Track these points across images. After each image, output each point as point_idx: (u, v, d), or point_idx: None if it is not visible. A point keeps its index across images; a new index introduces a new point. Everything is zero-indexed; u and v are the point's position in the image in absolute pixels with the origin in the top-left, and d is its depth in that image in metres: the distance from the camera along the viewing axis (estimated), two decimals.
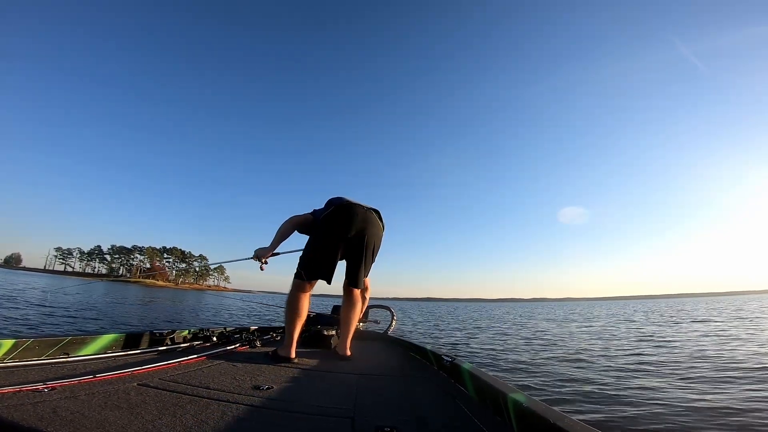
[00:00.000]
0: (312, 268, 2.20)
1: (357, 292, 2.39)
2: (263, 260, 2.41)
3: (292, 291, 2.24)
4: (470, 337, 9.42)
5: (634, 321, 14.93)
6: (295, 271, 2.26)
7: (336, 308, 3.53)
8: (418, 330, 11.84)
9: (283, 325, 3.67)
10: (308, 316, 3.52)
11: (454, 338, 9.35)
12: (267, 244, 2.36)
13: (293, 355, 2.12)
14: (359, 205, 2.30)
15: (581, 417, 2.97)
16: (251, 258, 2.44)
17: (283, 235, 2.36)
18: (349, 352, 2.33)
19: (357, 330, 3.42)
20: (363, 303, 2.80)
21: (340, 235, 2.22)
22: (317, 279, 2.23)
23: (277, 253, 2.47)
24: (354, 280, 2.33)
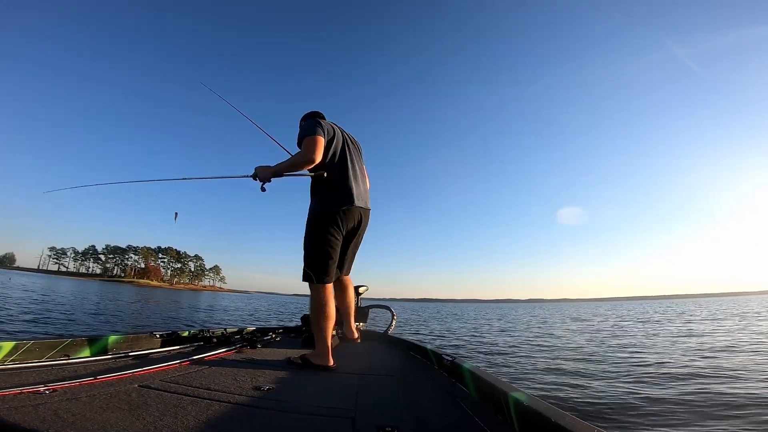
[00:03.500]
0: (327, 271, 2.11)
1: (349, 278, 2.56)
2: (264, 182, 2.15)
3: (317, 297, 2.07)
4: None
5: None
6: (305, 273, 2.10)
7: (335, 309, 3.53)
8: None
9: (280, 325, 3.68)
10: (308, 316, 3.52)
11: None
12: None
13: (332, 362, 1.96)
14: (365, 208, 2.29)
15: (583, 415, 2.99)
16: (250, 176, 2.16)
17: (292, 166, 2.11)
18: (356, 334, 2.49)
19: (357, 330, 3.41)
20: None
21: (348, 235, 2.24)
22: (329, 281, 2.15)
23: (281, 176, 2.20)
24: (348, 269, 2.49)
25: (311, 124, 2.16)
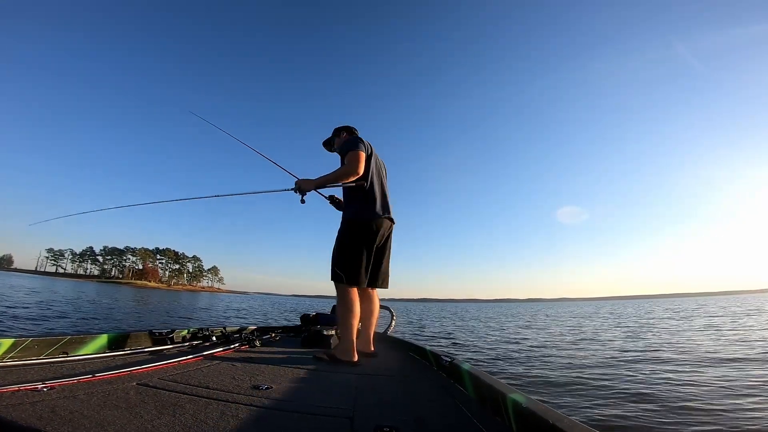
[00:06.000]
0: (358, 274, 2.22)
1: (376, 292, 2.55)
2: (305, 194, 2.27)
3: (348, 297, 2.19)
4: None
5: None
6: (336, 274, 2.21)
7: (336, 308, 3.53)
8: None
9: (281, 325, 3.68)
10: (308, 316, 3.52)
11: None
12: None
13: (356, 357, 2.11)
14: (393, 221, 2.43)
15: (580, 417, 2.98)
16: (291, 189, 2.27)
17: (337, 179, 2.25)
18: (373, 347, 2.50)
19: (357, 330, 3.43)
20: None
21: (376, 244, 2.32)
22: (359, 285, 2.25)
23: (320, 192, 2.36)
24: (386, 282, 2.50)
25: (354, 139, 2.35)
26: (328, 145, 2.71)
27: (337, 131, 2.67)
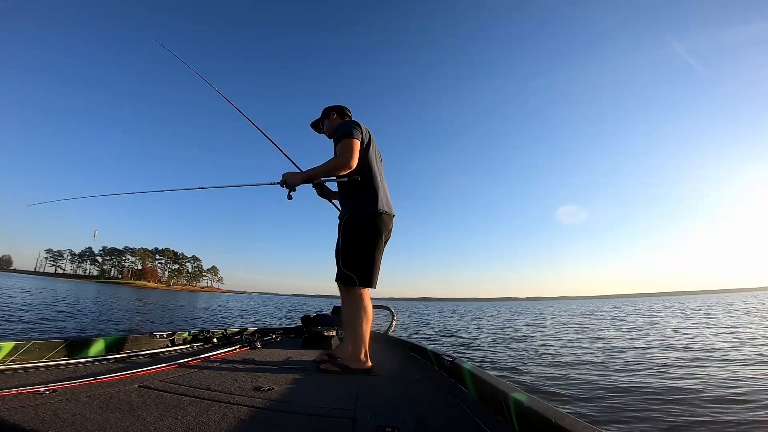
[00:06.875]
0: (371, 275, 2.01)
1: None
2: (293, 188, 2.04)
3: (361, 302, 1.98)
4: None
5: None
6: (346, 276, 1.98)
7: (336, 309, 3.53)
8: None
9: (282, 326, 3.67)
10: (308, 317, 3.52)
11: None
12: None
13: (370, 363, 1.96)
14: (393, 213, 2.20)
15: (583, 416, 2.99)
16: (277, 183, 2.06)
17: (327, 172, 2.02)
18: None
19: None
20: None
21: (385, 240, 2.13)
22: (372, 285, 2.04)
23: (311, 182, 2.14)
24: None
25: (349, 125, 2.07)
26: (317, 126, 2.42)
27: (327, 111, 2.33)
